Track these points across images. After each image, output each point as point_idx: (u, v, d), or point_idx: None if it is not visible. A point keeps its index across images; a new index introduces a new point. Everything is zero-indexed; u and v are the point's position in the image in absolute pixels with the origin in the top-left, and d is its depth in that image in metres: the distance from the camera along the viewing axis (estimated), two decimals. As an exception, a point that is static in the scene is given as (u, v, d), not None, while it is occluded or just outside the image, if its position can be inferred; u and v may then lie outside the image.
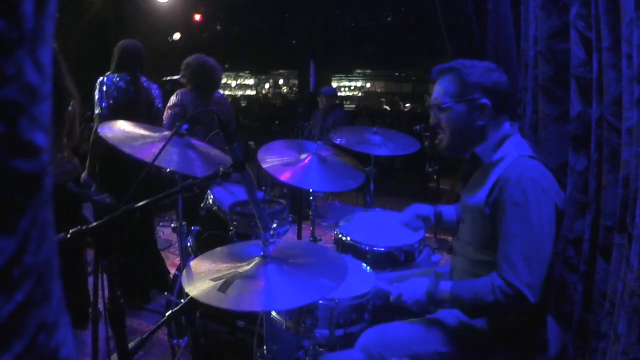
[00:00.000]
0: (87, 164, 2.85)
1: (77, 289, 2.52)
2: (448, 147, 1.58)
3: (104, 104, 2.70)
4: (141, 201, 1.13)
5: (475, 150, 1.53)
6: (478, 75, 1.49)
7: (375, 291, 1.70)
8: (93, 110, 3.15)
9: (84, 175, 2.83)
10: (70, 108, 2.46)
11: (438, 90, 1.57)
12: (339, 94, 18.24)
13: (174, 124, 3.04)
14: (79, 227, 1.03)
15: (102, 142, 2.76)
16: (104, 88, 2.72)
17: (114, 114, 2.64)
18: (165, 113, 3.03)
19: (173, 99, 3.08)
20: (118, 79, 2.77)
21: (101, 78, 2.77)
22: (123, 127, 1.91)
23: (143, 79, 2.91)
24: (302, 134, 5.67)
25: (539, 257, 1.32)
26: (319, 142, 2.33)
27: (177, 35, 8.75)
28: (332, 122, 5.23)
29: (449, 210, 1.94)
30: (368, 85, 19.59)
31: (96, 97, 2.74)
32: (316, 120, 5.58)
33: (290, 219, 2.25)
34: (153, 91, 2.97)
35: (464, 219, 1.62)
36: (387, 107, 11.22)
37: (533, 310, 1.47)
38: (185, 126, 1.84)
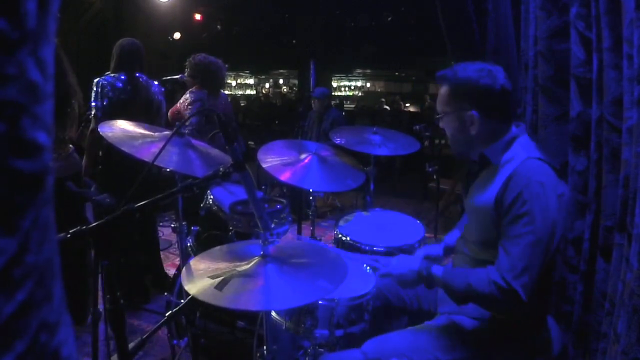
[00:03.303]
0: (82, 164, 2.84)
1: (81, 287, 2.54)
2: (452, 150, 1.63)
3: (97, 104, 2.69)
4: (142, 201, 1.13)
5: (484, 151, 1.54)
6: (466, 84, 1.47)
7: (367, 266, 1.77)
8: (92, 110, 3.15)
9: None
10: (74, 104, 2.47)
11: (438, 98, 1.59)
12: (338, 94, 18.30)
13: (200, 119, 3.06)
14: (79, 227, 1.03)
15: (98, 143, 2.78)
16: (99, 89, 2.70)
17: (109, 114, 2.61)
18: (187, 112, 3.02)
19: (191, 96, 3.07)
20: (115, 79, 2.76)
21: (97, 79, 2.75)
22: (123, 126, 1.90)
23: (143, 77, 2.89)
24: (302, 134, 5.61)
25: (539, 260, 1.33)
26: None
27: (177, 35, 8.75)
28: (329, 124, 5.08)
29: (452, 238, 1.91)
30: (368, 85, 19.57)
31: (92, 98, 2.72)
32: (311, 123, 5.44)
33: (290, 218, 2.25)
34: (152, 87, 2.95)
35: (470, 219, 1.62)
36: (387, 107, 11.22)
37: (533, 311, 1.47)
38: (184, 128, 1.84)
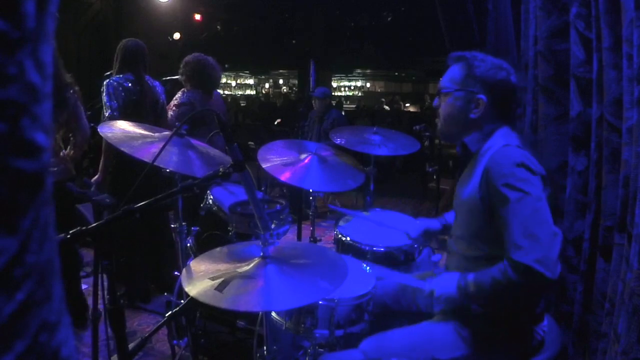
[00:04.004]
0: (100, 167, 2.83)
1: (72, 289, 2.53)
2: (441, 132, 1.65)
3: (113, 105, 2.68)
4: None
5: (464, 139, 1.58)
6: (484, 70, 1.51)
7: (403, 287, 1.74)
8: (93, 110, 3.13)
9: (96, 177, 2.83)
10: (70, 100, 2.46)
11: (445, 76, 1.62)
12: (338, 94, 18.30)
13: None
14: (79, 227, 1.03)
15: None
16: (112, 90, 2.69)
17: (123, 114, 2.62)
18: (170, 111, 3.02)
19: (180, 98, 3.06)
20: (123, 79, 2.76)
21: (107, 80, 2.74)
22: (123, 126, 1.90)
23: (147, 77, 2.90)
24: (302, 134, 5.59)
25: (542, 231, 1.30)
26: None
27: (177, 35, 8.76)
28: (329, 125, 5.07)
29: (451, 216, 1.93)
30: (368, 85, 19.59)
31: (104, 99, 2.70)
32: (312, 123, 5.43)
33: (290, 219, 2.25)
34: (157, 88, 2.96)
35: (457, 214, 1.63)
36: (387, 107, 11.23)
37: (529, 308, 1.47)
38: (185, 126, 1.84)
